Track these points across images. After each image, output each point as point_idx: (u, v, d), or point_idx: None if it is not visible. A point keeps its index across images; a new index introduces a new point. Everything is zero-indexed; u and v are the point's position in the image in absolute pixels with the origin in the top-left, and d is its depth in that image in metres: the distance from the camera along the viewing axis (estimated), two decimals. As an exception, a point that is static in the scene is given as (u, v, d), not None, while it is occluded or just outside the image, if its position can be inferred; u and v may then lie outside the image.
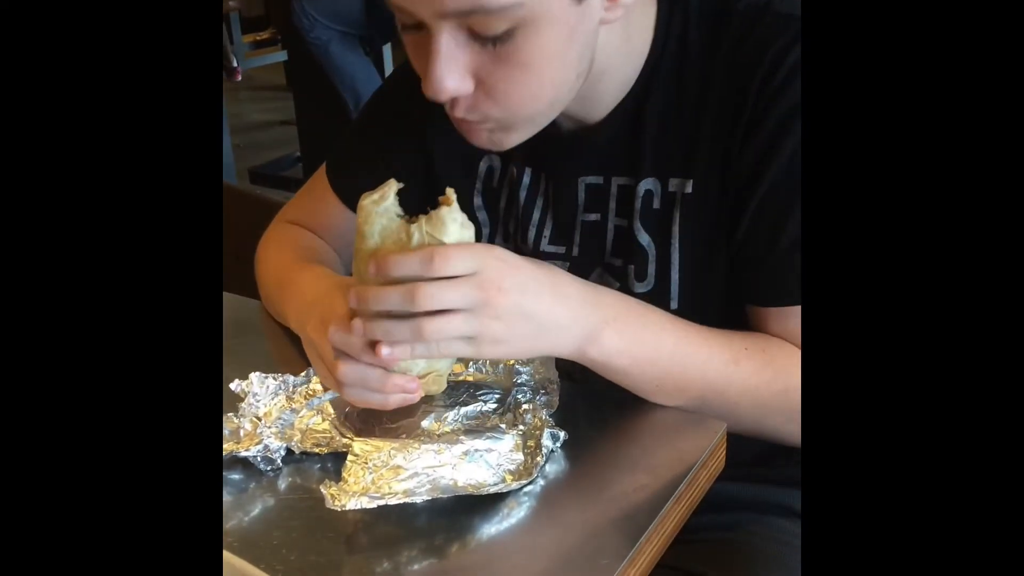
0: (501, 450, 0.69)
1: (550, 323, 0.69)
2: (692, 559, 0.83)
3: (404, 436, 0.72)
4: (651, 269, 0.83)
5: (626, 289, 0.83)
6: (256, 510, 0.68)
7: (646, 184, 0.82)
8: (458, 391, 0.78)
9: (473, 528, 0.65)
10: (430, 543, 0.64)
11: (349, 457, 0.68)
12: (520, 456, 0.69)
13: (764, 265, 0.78)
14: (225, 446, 0.72)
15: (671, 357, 0.73)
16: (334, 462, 0.72)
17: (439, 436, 0.72)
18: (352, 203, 0.93)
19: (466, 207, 0.92)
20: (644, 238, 0.83)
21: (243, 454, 0.71)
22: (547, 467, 0.70)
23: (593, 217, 0.86)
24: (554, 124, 0.80)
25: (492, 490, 0.66)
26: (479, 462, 0.68)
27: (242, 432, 0.73)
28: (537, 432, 0.71)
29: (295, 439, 0.73)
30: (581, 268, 0.86)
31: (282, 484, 0.71)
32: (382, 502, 0.64)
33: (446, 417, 0.75)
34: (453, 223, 0.66)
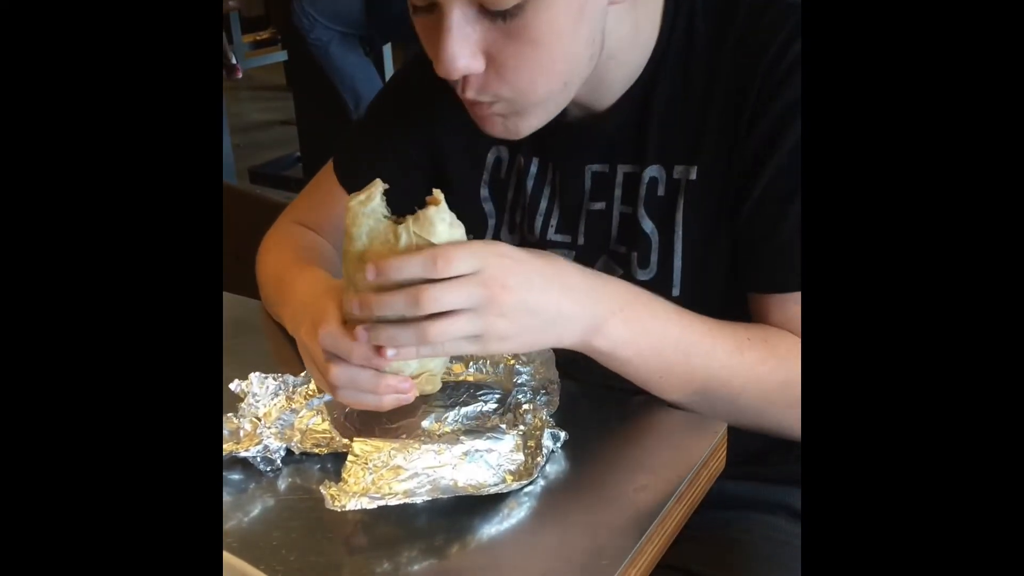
0: (501, 450, 0.69)
1: (556, 316, 0.69)
2: (688, 557, 0.83)
3: (404, 436, 0.72)
4: (654, 256, 0.84)
5: (629, 276, 0.84)
6: (256, 511, 0.68)
7: (651, 171, 0.84)
8: (458, 391, 0.78)
9: (473, 529, 0.65)
10: (430, 544, 0.64)
11: (349, 457, 0.67)
12: (520, 456, 0.69)
13: (766, 252, 0.79)
14: (225, 446, 0.72)
15: (676, 346, 0.74)
16: (334, 462, 0.72)
17: (439, 436, 0.72)
18: None
19: (473, 198, 0.93)
20: (648, 225, 0.84)
21: (243, 454, 0.71)
22: (547, 467, 0.70)
23: (599, 206, 0.87)
24: (562, 112, 0.81)
25: (492, 490, 0.66)
26: (479, 462, 0.68)
27: (242, 432, 0.73)
28: (537, 432, 0.71)
29: (295, 439, 0.73)
30: (586, 256, 0.87)
31: (282, 484, 0.71)
32: (382, 502, 0.64)
33: (446, 417, 0.75)
34: (441, 223, 0.66)
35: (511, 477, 0.68)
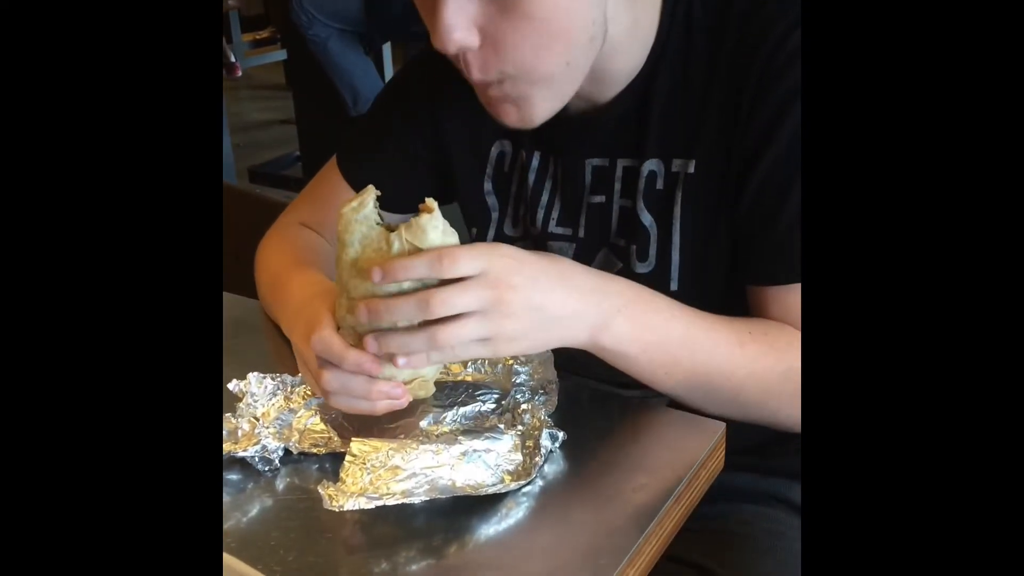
0: (500, 450, 0.69)
1: (563, 315, 0.69)
2: (686, 549, 0.83)
3: (402, 436, 0.72)
4: (652, 249, 0.84)
5: (628, 269, 0.85)
6: (254, 510, 0.68)
7: (650, 165, 0.84)
8: (456, 391, 0.78)
9: (471, 529, 0.65)
10: (428, 544, 0.64)
11: (347, 458, 0.67)
12: (519, 456, 0.69)
13: (764, 243, 0.79)
14: (223, 446, 0.72)
15: (680, 341, 0.74)
16: (332, 462, 0.72)
17: (437, 436, 0.72)
18: None
19: (477, 192, 0.94)
20: (647, 218, 0.84)
21: (241, 454, 0.71)
22: (546, 467, 0.70)
23: (599, 199, 0.88)
24: (566, 106, 0.82)
25: (491, 491, 0.66)
26: (477, 463, 0.68)
27: (240, 432, 0.73)
28: (536, 432, 0.71)
29: (293, 439, 0.73)
30: (587, 249, 0.88)
31: (280, 484, 0.71)
32: (380, 503, 0.64)
33: (444, 417, 0.75)
34: (434, 230, 0.66)
35: (509, 477, 0.68)
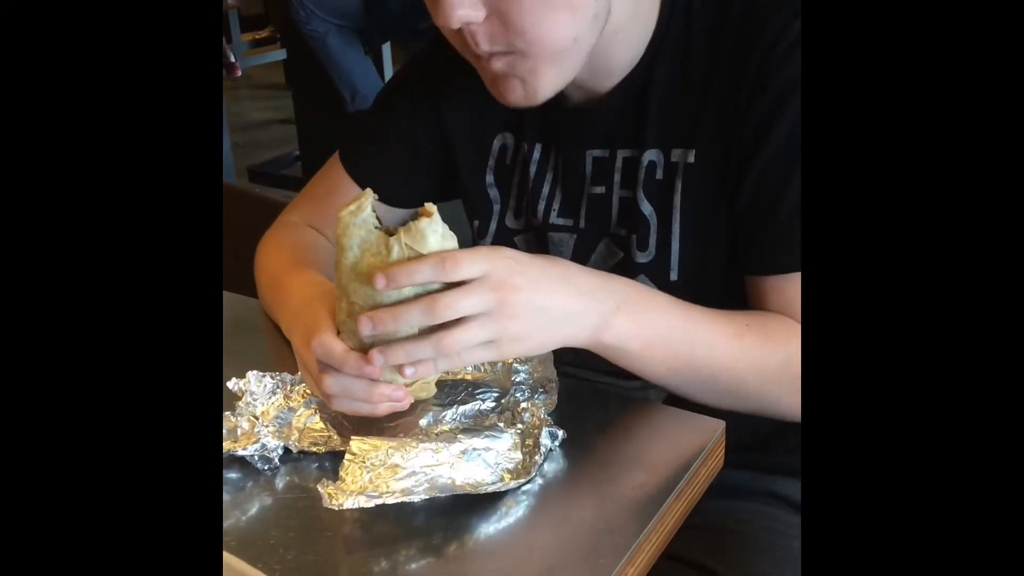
0: (499, 449, 0.69)
1: (565, 314, 0.70)
2: (685, 547, 0.83)
3: (402, 435, 0.72)
4: (652, 239, 0.84)
5: (629, 259, 0.85)
6: (253, 509, 0.68)
7: (649, 155, 0.85)
8: (456, 390, 0.78)
9: (471, 527, 0.65)
10: (428, 542, 0.64)
11: (347, 456, 0.67)
12: (518, 455, 0.69)
13: (764, 233, 0.79)
14: (222, 445, 0.72)
15: (680, 336, 0.74)
16: (332, 461, 0.72)
17: (437, 435, 0.72)
18: (368, 184, 0.95)
19: (479, 184, 0.95)
20: (647, 208, 0.85)
21: (240, 453, 0.71)
22: (545, 466, 0.70)
23: (599, 190, 0.88)
24: (565, 96, 0.82)
25: (490, 489, 0.66)
26: (477, 461, 0.68)
27: (239, 431, 0.73)
28: (535, 431, 0.71)
29: (292, 438, 0.73)
30: (588, 240, 0.89)
31: (279, 483, 0.71)
32: (380, 501, 0.64)
33: (444, 416, 0.75)
34: (433, 234, 0.66)
35: (509, 476, 0.68)
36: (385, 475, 0.66)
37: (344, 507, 0.64)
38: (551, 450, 0.71)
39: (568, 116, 0.88)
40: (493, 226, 0.95)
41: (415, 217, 0.67)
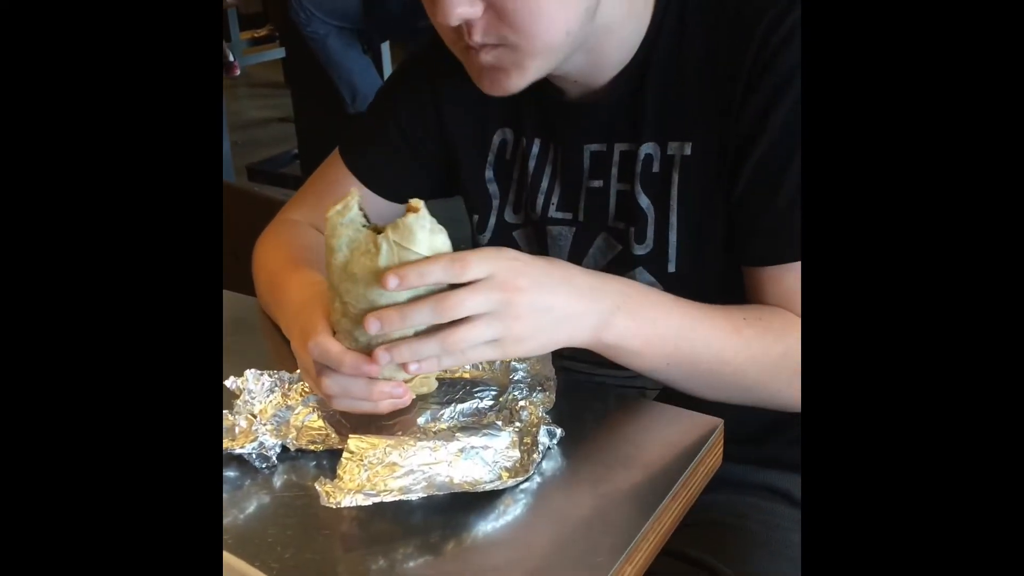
0: (497, 447, 0.69)
1: (567, 315, 0.70)
2: (683, 543, 0.83)
3: (400, 433, 0.72)
4: (650, 231, 0.85)
5: (627, 251, 0.86)
6: (251, 507, 0.68)
7: (646, 148, 0.85)
8: (454, 388, 0.78)
9: (469, 526, 0.65)
10: (426, 540, 0.64)
11: (344, 454, 0.67)
12: (516, 453, 0.69)
13: (761, 224, 0.80)
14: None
15: (679, 332, 0.75)
16: (329, 459, 0.72)
17: (435, 433, 0.72)
18: (369, 180, 0.97)
19: (479, 179, 0.96)
20: (644, 201, 0.85)
21: (238, 451, 0.71)
22: (543, 464, 0.70)
23: (597, 183, 0.89)
24: (562, 91, 0.83)
25: (488, 487, 0.66)
26: (475, 459, 0.68)
27: (237, 429, 0.73)
28: (533, 429, 0.71)
29: (290, 436, 0.73)
30: (587, 233, 0.90)
31: (277, 481, 0.71)
32: (377, 499, 0.64)
33: (442, 414, 0.75)
34: (421, 230, 0.66)
35: (507, 474, 0.67)
36: (383, 473, 0.66)
37: (342, 505, 0.64)
38: (549, 448, 0.71)
39: (566, 110, 0.89)
40: (492, 221, 0.95)
41: (403, 213, 0.67)
